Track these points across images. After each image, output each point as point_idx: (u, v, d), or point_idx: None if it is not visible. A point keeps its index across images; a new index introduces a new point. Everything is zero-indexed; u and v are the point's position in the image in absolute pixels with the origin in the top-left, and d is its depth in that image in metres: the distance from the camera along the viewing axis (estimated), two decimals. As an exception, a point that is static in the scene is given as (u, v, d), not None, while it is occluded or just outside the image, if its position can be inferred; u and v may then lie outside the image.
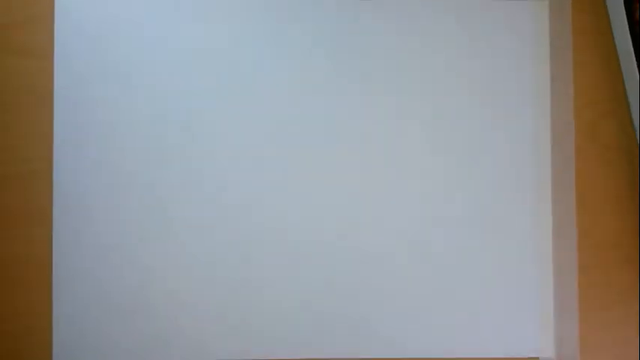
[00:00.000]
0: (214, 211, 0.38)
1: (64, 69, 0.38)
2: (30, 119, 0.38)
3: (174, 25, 0.38)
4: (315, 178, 0.38)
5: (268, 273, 0.38)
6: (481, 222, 0.38)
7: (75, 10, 0.38)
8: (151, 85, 0.38)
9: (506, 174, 0.39)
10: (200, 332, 0.37)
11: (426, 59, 0.39)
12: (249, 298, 0.37)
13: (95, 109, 0.38)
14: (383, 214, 0.38)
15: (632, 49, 0.38)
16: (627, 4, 0.39)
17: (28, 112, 0.38)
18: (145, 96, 0.38)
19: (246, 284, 0.38)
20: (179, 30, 0.38)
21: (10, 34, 0.38)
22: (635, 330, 0.39)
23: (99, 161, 0.38)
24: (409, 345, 0.38)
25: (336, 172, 0.38)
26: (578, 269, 0.39)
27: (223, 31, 0.39)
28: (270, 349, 0.37)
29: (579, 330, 0.38)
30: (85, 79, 0.38)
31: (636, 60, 0.38)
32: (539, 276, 0.38)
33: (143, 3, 0.38)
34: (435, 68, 0.39)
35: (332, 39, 0.39)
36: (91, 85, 0.38)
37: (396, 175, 0.38)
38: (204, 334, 0.37)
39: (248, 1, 0.39)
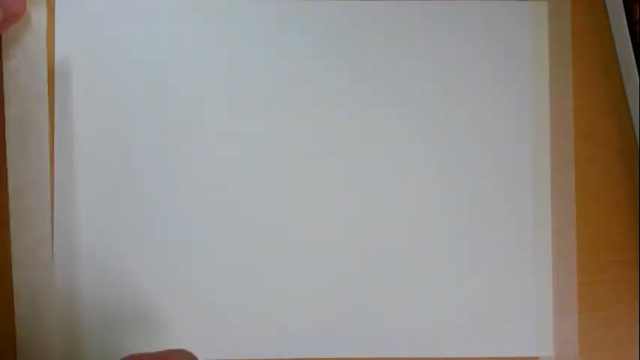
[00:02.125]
0: (217, 212, 0.38)
1: (65, 69, 0.38)
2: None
3: (175, 26, 0.38)
4: (315, 179, 0.38)
5: (266, 273, 0.38)
6: (480, 222, 0.38)
7: (76, 10, 0.38)
8: (152, 85, 0.38)
9: (505, 174, 0.39)
10: (200, 333, 0.37)
11: (425, 59, 0.39)
12: (248, 298, 0.38)
13: (96, 109, 0.38)
14: (382, 214, 0.38)
15: (631, 49, 0.39)
16: (627, 4, 0.39)
17: (29, 113, 0.38)
18: (146, 96, 0.38)
19: (246, 284, 0.38)
20: (180, 30, 0.38)
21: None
22: (635, 330, 0.39)
23: (100, 161, 0.38)
24: (408, 345, 0.38)
25: (336, 173, 0.38)
26: (578, 269, 0.39)
27: (225, 31, 0.39)
28: (269, 349, 0.37)
29: (579, 330, 0.38)
30: (86, 79, 0.38)
31: (636, 60, 0.38)
32: (538, 275, 0.38)
33: (144, 3, 0.38)
34: (433, 69, 0.39)
35: (331, 42, 0.39)
36: (91, 85, 0.38)
37: (395, 175, 0.38)
38: (205, 334, 0.37)
39: (250, 4, 0.39)
